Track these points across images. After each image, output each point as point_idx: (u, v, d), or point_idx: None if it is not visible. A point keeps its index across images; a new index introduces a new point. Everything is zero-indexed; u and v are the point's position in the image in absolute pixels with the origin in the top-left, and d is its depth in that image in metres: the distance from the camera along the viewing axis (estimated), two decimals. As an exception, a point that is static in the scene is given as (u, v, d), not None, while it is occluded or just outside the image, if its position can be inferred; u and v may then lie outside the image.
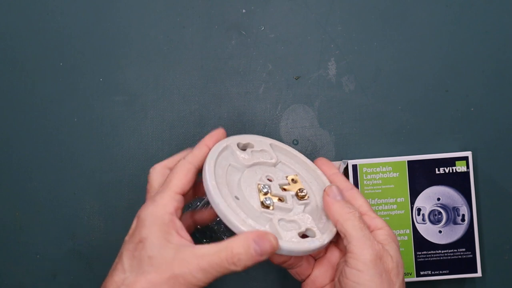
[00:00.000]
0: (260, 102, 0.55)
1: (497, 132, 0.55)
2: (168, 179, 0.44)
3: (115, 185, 0.55)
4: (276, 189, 0.46)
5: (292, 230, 0.44)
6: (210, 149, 0.46)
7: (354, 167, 0.53)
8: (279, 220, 0.44)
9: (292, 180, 0.47)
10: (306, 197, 0.47)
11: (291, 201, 0.46)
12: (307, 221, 0.45)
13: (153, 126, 0.55)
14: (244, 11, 0.55)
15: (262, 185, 0.46)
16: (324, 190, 0.46)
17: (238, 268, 0.41)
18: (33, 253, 0.55)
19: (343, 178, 0.49)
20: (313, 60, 0.55)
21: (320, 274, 0.47)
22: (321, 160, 0.50)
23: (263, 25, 0.55)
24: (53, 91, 0.55)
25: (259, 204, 0.44)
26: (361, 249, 0.43)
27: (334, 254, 0.47)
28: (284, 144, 0.51)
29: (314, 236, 0.44)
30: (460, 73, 0.55)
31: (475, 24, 0.55)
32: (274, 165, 0.49)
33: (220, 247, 0.41)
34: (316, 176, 0.50)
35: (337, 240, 0.47)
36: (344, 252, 0.46)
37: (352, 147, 0.55)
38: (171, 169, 0.45)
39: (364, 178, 0.53)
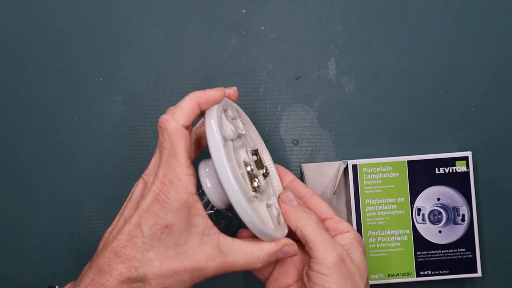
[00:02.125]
0: (260, 102, 0.55)
1: (497, 132, 0.55)
2: (170, 151, 0.41)
3: (115, 185, 0.55)
4: (254, 168, 0.45)
5: (272, 217, 0.44)
6: (202, 110, 0.42)
7: (354, 167, 0.53)
8: (268, 206, 0.44)
9: (256, 154, 0.47)
10: (268, 174, 0.47)
11: (263, 181, 0.45)
12: (276, 205, 0.46)
13: (153, 126, 0.55)
14: (244, 11, 0.55)
15: (248, 166, 0.44)
16: (279, 197, 0.46)
17: (257, 268, 0.43)
18: (33, 253, 0.55)
19: (302, 184, 0.49)
20: (313, 60, 0.55)
21: (282, 273, 0.47)
22: (277, 167, 0.50)
23: (263, 25, 0.55)
24: (53, 91, 0.55)
25: (249, 186, 0.43)
26: (323, 253, 0.43)
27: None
28: (240, 108, 0.48)
29: (281, 222, 0.45)
30: (460, 73, 0.55)
31: (475, 24, 0.55)
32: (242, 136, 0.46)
33: (247, 248, 0.42)
34: (261, 145, 0.49)
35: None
36: (306, 251, 0.46)
37: (352, 147, 0.55)
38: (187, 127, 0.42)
39: (364, 178, 0.53)
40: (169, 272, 0.40)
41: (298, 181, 0.49)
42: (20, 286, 0.55)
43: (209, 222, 0.41)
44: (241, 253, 0.42)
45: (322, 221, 0.47)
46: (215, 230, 0.42)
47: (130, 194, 0.44)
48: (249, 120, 0.49)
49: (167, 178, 0.41)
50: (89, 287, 0.39)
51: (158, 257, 0.40)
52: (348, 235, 0.46)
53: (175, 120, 0.41)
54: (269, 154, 0.50)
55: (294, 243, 0.44)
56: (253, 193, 0.43)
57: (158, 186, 0.41)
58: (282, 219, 0.46)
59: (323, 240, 0.43)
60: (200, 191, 0.47)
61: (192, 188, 0.41)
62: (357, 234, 0.46)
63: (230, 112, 0.45)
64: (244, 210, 0.40)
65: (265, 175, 0.46)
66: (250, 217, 0.40)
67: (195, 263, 0.41)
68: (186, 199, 0.40)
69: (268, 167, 0.47)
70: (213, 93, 0.43)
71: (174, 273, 0.40)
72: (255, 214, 0.41)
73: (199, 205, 0.41)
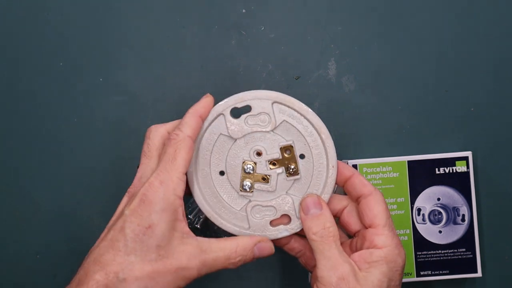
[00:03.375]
0: (260, 102, 0.55)
1: (497, 132, 0.55)
2: (172, 156, 0.42)
3: (115, 185, 0.55)
4: (261, 168, 0.46)
5: (264, 218, 0.46)
6: (203, 120, 0.45)
7: (354, 167, 0.53)
8: (254, 206, 0.46)
9: (286, 150, 0.46)
10: (296, 174, 0.46)
11: (275, 181, 0.46)
12: (285, 206, 0.46)
13: (153, 126, 0.55)
14: (244, 11, 0.55)
15: (246, 165, 0.45)
16: (300, 203, 0.45)
17: (234, 266, 0.43)
18: (33, 253, 0.55)
19: (362, 181, 0.45)
20: (313, 60, 0.55)
21: None
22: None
23: (263, 25, 0.55)
24: (53, 91, 0.55)
25: (238, 185, 0.46)
26: (322, 272, 0.42)
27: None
28: (291, 100, 0.46)
29: (289, 222, 0.46)
30: (460, 73, 0.55)
31: (475, 24, 0.55)
32: (272, 130, 0.46)
33: (225, 244, 0.43)
34: (321, 142, 0.46)
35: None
36: (353, 250, 0.46)
37: (352, 147, 0.55)
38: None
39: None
40: (150, 274, 0.40)
41: (359, 178, 0.45)
42: (20, 286, 0.55)
43: (187, 228, 0.42)
44: (220, 250, 0.42)
45: (366, 227, 0.44)
46: (192, 234, 0.42)
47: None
48: (297, 106, 0.46)
49: (158, 179, 0.41)
50: None
51: (139, 260, 0.40)
52: (378, 252, 0.43)
53: (182, 132, 0.43)
54: (323, 151, 0.46)
55: (269, 240, 0.44)
56: (242, 193, 0.46)
57: (146, 187, 0.41)
58: (293, 217, 0.46)
59: (324, 258, 0.42)
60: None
61: (180, 192, 0.42)
62: (392, 252, 0.43)
63: (254, 110, 0.46)
64: (201, 206, 0.46)
65: (292, 173, 0.46)
66: (208, 212, 0.46)
67: (177, 263, 0.41)
68: (172, 201, 0.41)
69: (294, 165, 0.46)
70: (203, 101, 0.46)
71: (155, 275, 0.40)
72: (214, 211, 0.46)
73: (181, 210, 0.42)
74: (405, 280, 0.53)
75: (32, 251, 0.55)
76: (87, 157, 0.55)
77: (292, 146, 0.46)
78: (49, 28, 0.55)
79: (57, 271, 0.55)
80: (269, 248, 0.44)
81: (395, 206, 0.53)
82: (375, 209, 0.44)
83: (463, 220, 0.53)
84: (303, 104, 0.46)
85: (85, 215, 0.55)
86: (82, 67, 0.55)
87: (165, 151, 0.43)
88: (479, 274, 0.53)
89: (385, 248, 0.43)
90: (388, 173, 0.53)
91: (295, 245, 0.47)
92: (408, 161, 0.53)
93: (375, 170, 0.53)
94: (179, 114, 0.55)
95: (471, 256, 0.53)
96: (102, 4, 0.55)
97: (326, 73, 0.55)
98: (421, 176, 0.53)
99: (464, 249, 0.53)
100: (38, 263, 0.55)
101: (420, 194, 0.53)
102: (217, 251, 0.42)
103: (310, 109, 0.46)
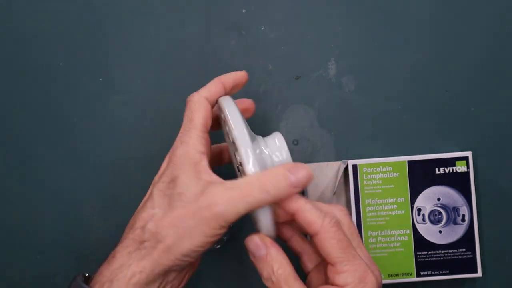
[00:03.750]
0: (260, 102, 0.55)
1: (497, 132, 0.55)
2: (189, 117, 0.43)
3: (115, 185, 0.55)
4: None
5: None
6: (226, 88, 0.45)
7: (354, 167, 0.53)
8: None
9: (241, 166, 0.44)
10: None
11: None
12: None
13: (153, 126, 0.55)
14: (244, 11, 0.55)
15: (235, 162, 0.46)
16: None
17: (270, 197, 0.39)
18: (33, 253, 0.55)
19: (312, 216, 0.40)
20: (313, 60, 0.55)
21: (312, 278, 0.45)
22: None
23: (263, 25, 0.55)
24: (53, 91, 0.55)
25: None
26: None
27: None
28: (236, 129, 0.41)
29: None
30: (460, 73, 0.55)
31: (476, 24, 0.55)
32: (232, 142, 0.43)
33: (252, 177, 0.39)
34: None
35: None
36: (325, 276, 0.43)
37: (352, 147, 0.55)
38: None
39: (364, 178, 0.53)
40: (172, 221, 0.39)
41: (305, 213, 0.40)
42: (20, 286, 0.55)
43: (214, 176, 0.41)
44: (247, 183, 0.39)
45: (326, 265, 0.41)
46: (221, 180, 0.41)
47: None
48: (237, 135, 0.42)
49: (179, 141, 0.43)
50: (104, 264, 0.41)
51: (162, 211, 0.41)
52: None
53: (199, 93, 0.45)
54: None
55: (304, 165, 0.40)
56: None
57: (171, 151, 0.43)
58: None
59: None
60: None
61: (201, 148, 0.42)
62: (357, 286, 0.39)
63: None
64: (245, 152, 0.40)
65: None
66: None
67: (197, 204, 0.39)
68: (192, 155, 0.42)
69: None
70: (236, 72, 0.47)
71: (177, 220, 0.39)
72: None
73: (205, 163, 0.42)
74: (405, 280, 0.53)
75: (32, 251, 0.55)
76: (87, 157, 0.55)
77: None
78: (49, 28, 0.55)
79: (57, 271, 0.55)
80: (305, 171, 0.39)
81: (395, 206, 0.53)
82: (327, 248, 0.40)
83: (463, 220, 0.53)
84: (241, 135, 0.41)
85: (85, 215, 0.55)
86: (82, 67, 0.55)
87: (184, 115, 0.44)
88: (479, 274, 0.53)
89: (347, 286, 0.39)
90: (388, 173, 0.53)
91: (296, 246, 0.47)
92: (408, 161, 0.53)
93: (375, 170, 0.53)
94: (179, 114, 0.55)
95: (471, 256, 0.53)
96: (102, 4, 0.55)
97: (326, 73, 0.55)
98: (421, 176, 0.53)
99: (464, 249, 0.53)
100: (38, 263, 0.55)
101: (420, 194, 0.53)
102: (243, 185, 0.39)
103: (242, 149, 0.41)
